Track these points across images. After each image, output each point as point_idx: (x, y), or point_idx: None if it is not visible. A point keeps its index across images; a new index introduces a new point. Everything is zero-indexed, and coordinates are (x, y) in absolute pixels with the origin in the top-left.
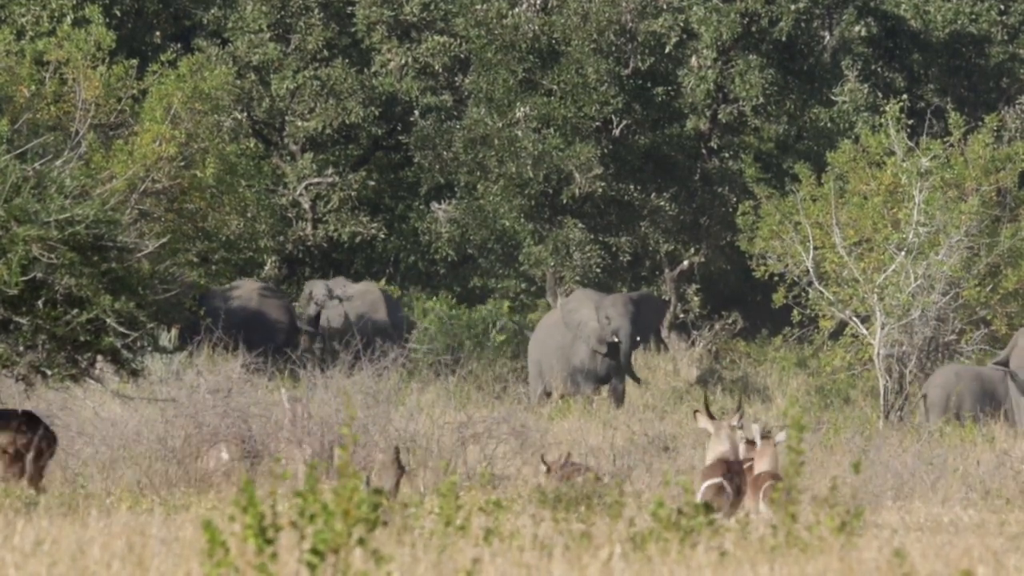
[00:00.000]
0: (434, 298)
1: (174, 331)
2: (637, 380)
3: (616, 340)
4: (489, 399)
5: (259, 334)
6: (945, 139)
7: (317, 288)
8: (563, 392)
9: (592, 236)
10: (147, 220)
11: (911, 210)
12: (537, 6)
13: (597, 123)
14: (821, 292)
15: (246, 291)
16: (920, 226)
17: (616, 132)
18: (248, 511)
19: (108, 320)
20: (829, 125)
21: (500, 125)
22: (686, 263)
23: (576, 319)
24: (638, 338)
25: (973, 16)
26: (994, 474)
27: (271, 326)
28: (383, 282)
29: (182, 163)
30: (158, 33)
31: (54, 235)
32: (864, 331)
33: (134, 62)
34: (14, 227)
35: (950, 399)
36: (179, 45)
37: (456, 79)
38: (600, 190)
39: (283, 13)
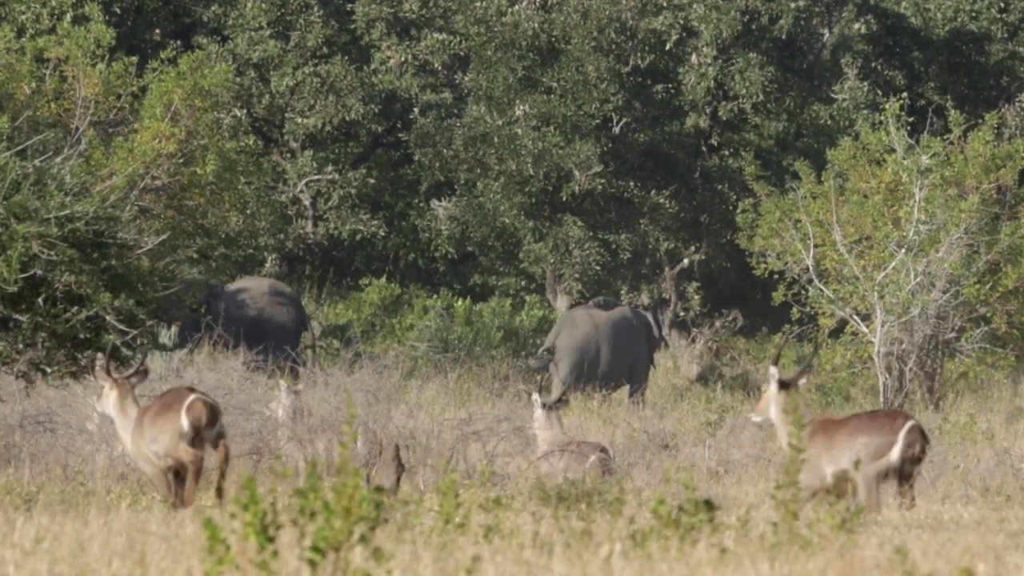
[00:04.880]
0: (435, 296)
1: (174, 328)
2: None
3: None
4: (490, 396)
5: (267, 333)
6: (945, 137)
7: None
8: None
9: (592, 234)
10: (147, 217)
11: (911, 208)
12: (537, 4)
13: (597, 121)
14: (821, 290)
15: (255, 290)
16: (920, 224)
17: (616, 130)
18: (249, 508)
19: (108, 317)
20: (829, 123)
21: (500, 123)
22: (686, 261)
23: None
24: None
25: (973, 14)
26: (994, 471)
27: (279, 325)
28: (383, 279)
29: (182, 160)
30: (158, 30)
31: (54, 232)
32: (864, 329)
33: (134, 59)
34: (14, 224)
35: None
36: (179, 42)
37: (456, 76)
38: (600, 188)
39: (283, 10)
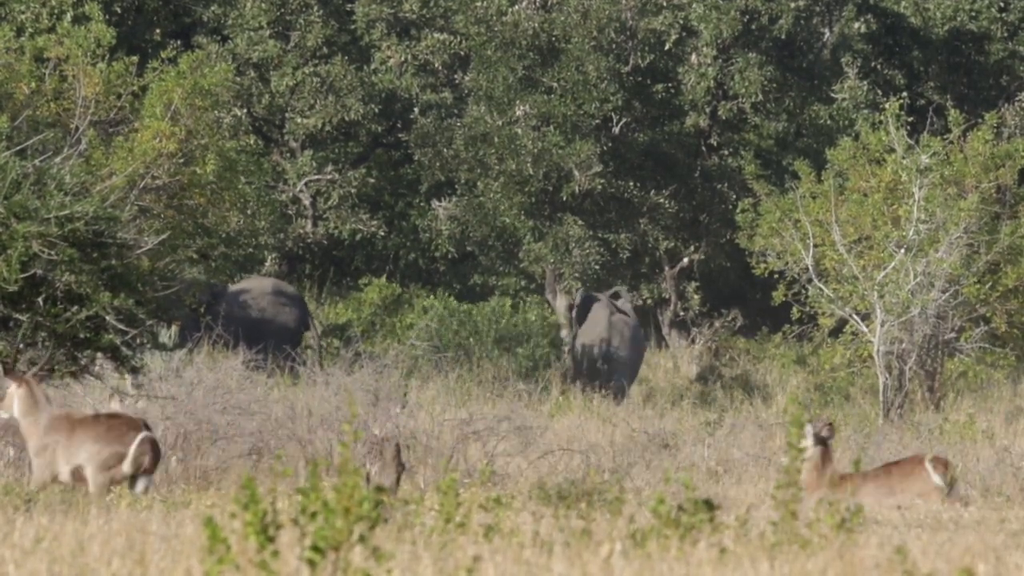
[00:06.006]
0: (433, 295)
1: (174, 328)
2: None
3: None
4: (490, 396)
5: (268, 333)
6: (945, 136)
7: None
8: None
9: (592, 233)
10: (147, 217)
11: (911, 207)
12: (537, 3)
13: (597, 120)
14: (821, 289)
15: (257, 290)
16: (920, 223)
17: (616, 129)
18: (249, 508)
19: (108, 317)
20: (829, 122)
21: (500, 122)
22: (686, 260)
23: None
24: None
25: (973, 13)
26: (994, 471)
27: (281, 325)
28: (383, 279)
29: (182, 160)
30: (158, 30)
31: (54, 232)
32: (864, 328)
33: (134, 59)
34: (14, 224)
35: None
36: (179, 42)
37: (456, 76)
38: (600, 187)
39: (283, 10)
